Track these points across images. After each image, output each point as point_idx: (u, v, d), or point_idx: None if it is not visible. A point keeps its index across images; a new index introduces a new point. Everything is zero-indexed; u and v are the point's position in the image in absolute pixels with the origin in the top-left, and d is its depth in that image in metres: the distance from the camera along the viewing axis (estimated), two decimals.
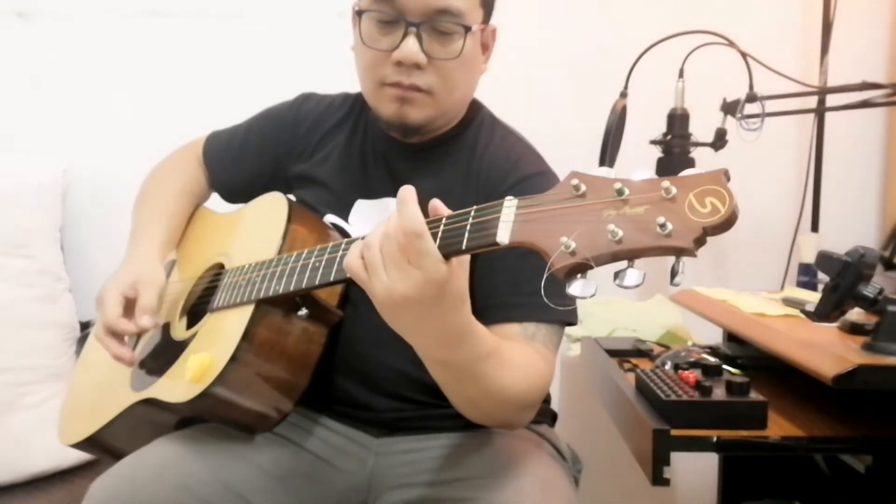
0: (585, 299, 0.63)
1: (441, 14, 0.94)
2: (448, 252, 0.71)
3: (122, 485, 0.92)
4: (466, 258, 0.74)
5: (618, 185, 0.61)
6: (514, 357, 0.87)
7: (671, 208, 0.59)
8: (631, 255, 0.60)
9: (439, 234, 0.72)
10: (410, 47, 0.94)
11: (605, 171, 0.63)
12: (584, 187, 0.63)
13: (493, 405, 0.88)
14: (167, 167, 1.24)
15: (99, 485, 0.93)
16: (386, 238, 0.71)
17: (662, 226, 0.58)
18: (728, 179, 0.59)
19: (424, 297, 0.71)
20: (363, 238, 0.75)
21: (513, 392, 0.86)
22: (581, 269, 0.62)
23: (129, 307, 1.03)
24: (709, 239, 0.58)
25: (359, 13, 0.98)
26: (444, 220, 0.72)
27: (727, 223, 0.58)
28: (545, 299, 0.68)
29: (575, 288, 0.62)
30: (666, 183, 0.59)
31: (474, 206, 0.71)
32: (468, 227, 0.70)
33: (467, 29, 0.95)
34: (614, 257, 0.61)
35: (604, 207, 0.61)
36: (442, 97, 0.99)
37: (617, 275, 0.61)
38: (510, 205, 0.67)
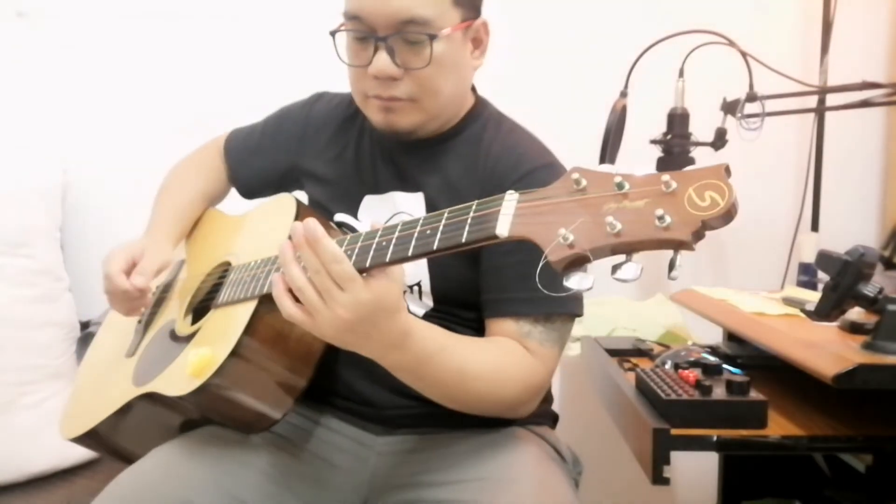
0: (583, 292, 0.63)
1: (407, 24, 0.94)
2: (448, 245, 0.71)
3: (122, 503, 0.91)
4: (398, 269, 0.78)
5: (618, 179, 0.61)
6: (480, 351, 0.91)
7: (671, 202, 0.59)
8: (629, 248, 0.60)
9: (440, 228, 0.72)
10: (382, 62, 0.95)
11: (607, 167, 0.64)
12: (584, 182, 0.63)
13: (462, 396, 0.91)
14: (193, 163, 1.27)
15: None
16: (316, 274, 0.76)
17: (661, 218, 0.58)
18: (729, 174, 0.59)
19: (362, 315, 0.76)
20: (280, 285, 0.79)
21: (478, 384, 0.90)
22: (579, 261, 0.62)
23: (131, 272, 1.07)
24: (710, 236, 0.59)
25: (332, 33, 0.99)
26: (446, 214, 0.73)
27: (726, 216, 0.58)
28: (541, 289, 0.68)
29: (572, 281, 0.62)
30: (666, 177, 0.59)
31: (476, 201, 0.71)
32: (469, 220, 0.70)
33: (433, 37, 0.95)
34: (613, 250, 0.61)
35: (604, 201, 0.62)
36: (426, 102, 1.00)
37: (615, 268, 0.61)
38: (511, 198, 0.68)
